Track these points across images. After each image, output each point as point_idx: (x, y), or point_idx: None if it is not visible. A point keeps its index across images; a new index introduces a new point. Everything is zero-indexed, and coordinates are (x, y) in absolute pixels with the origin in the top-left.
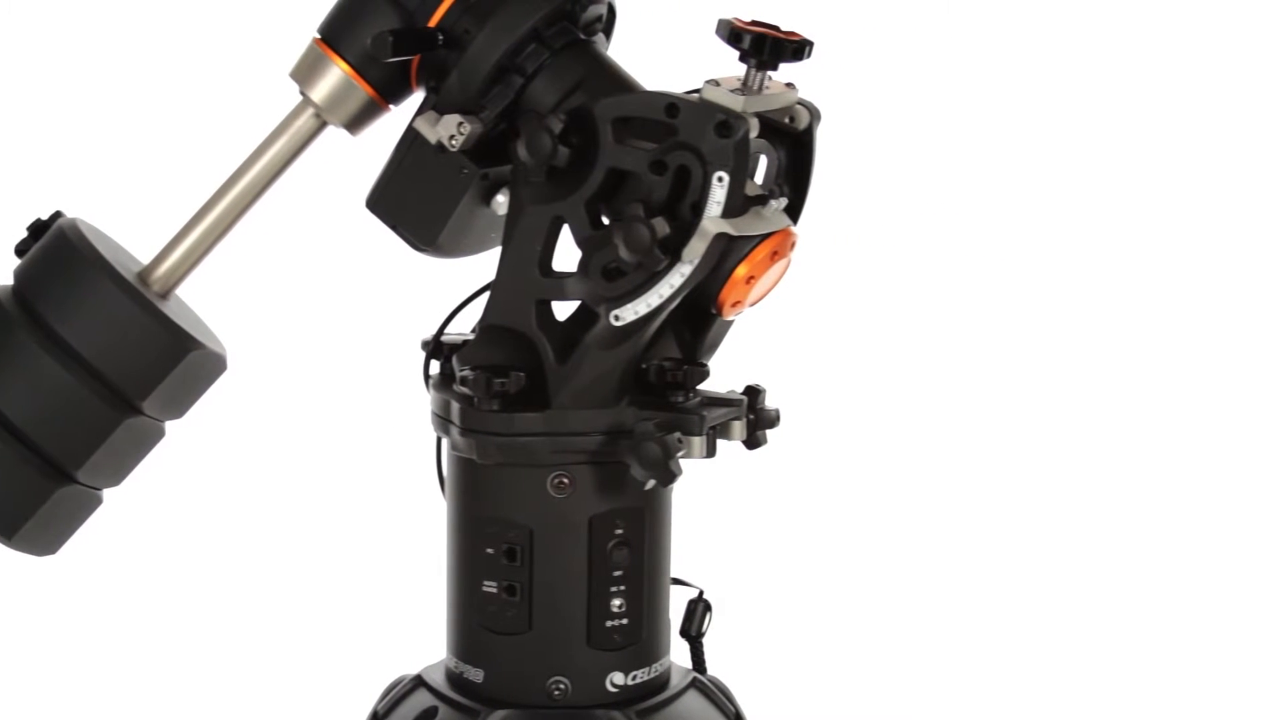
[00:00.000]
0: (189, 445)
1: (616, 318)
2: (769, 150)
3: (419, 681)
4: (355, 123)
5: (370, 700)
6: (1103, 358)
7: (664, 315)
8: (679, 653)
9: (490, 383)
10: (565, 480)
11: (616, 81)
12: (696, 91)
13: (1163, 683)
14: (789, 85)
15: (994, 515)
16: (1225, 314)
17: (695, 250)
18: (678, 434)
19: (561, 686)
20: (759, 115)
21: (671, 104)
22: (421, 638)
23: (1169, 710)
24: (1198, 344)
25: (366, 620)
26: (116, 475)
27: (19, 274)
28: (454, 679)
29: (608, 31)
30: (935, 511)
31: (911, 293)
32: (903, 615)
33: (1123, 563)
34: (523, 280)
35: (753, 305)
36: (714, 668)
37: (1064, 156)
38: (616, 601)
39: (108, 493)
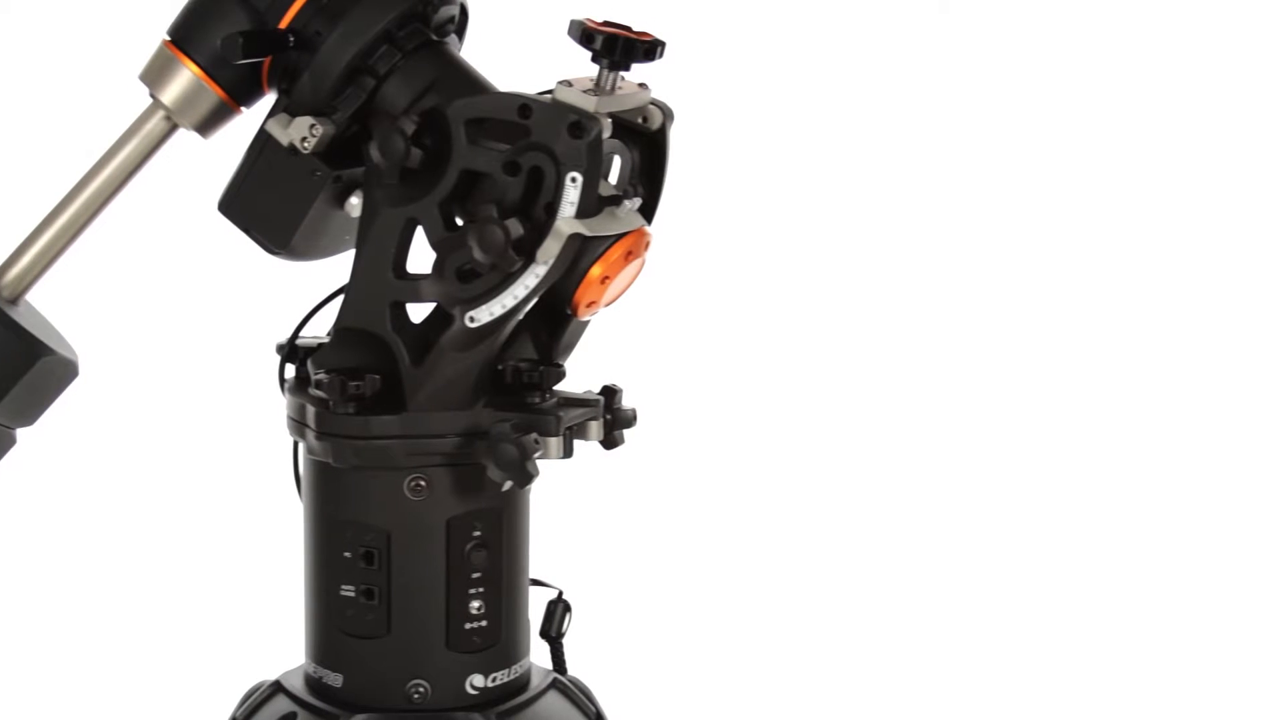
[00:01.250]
0: (41, 453)
1: (471, 319)
2: (622, 150)
3: (277, 687)
4: (206, 125)
5: (229, 706)
6: (951, 354)
7: (519, 316)
8: (539, 654)
9: (345, 386)
10: (422, 483)
11: (469, 82)
12: (549, 92)
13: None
14: (642, 85)
15: (850, 513)
16: (1157, 314)
17: (549, 251)
18: (534, 435)
19: (421, 689)
20: (612, 116)
21: (524, 105)
22: (280, 642)
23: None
24: (1120, 341)
25: (224, 625)
26: None
27: None
28: (313, 684)
29: (460, 32)
30: (790, 509)
31: (764, 291)
32: (759, 612)
33: (989, 569)
34: (377, 283)
35: (608, 305)
36: (574, 668)
37: (914, 144)
38: (475, 603)
39: None
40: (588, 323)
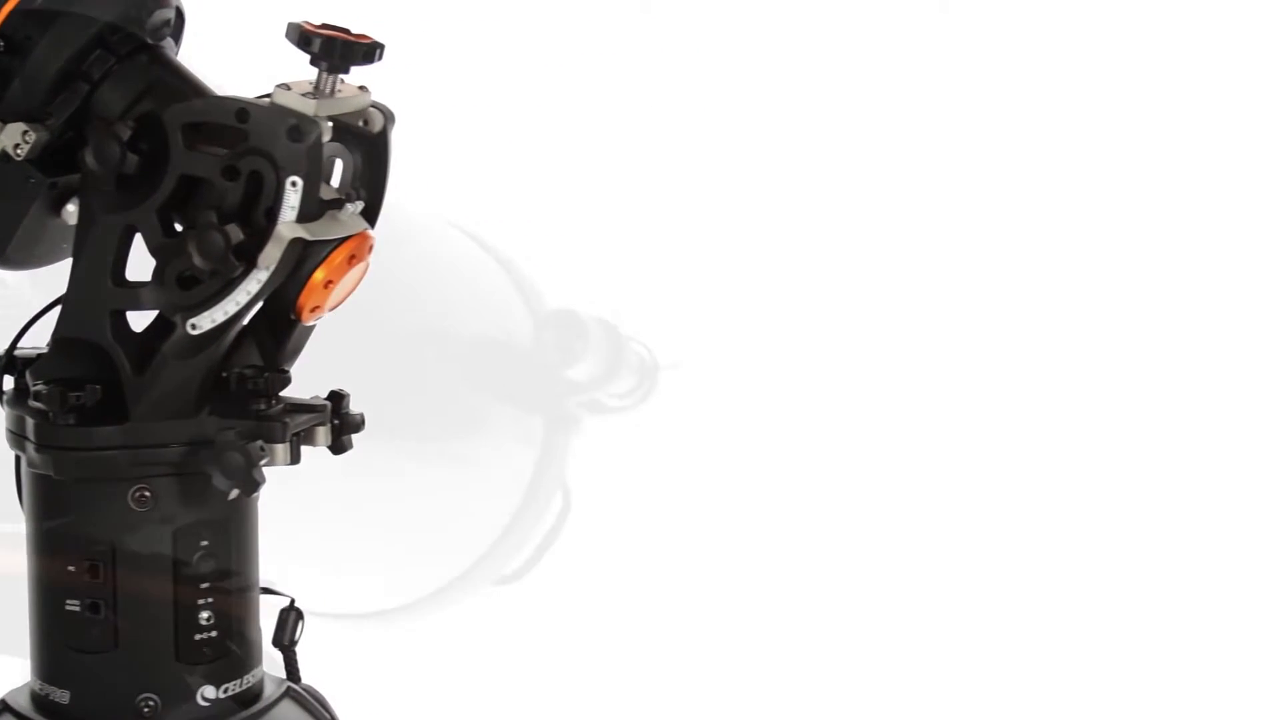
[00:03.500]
0: None
1: (193, 326)
2: (344, 154)
3: (3, 706)
4: None
5: None
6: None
7: (242, 323)
8: (272, 663)
9: (65, 397)
10: (147, 493)
11: (186, 87)
12: (268, 96)
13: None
14: (362, 88)
15: (610, 509)
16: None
17: (271, 256)
18: (260, 442)
19: (151, 703)
20: (332, 119)
21: (242, 109)
22: (4, 661)
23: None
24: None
25: None
26: None
27: None
28: (40, 702)
29: (176, 36)
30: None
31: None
32: (489, 612)
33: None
34: (96, 291)
35: (332, 309)
36: (308, 676)
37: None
38: (205, 614)
39: None
40: (313, 328)
